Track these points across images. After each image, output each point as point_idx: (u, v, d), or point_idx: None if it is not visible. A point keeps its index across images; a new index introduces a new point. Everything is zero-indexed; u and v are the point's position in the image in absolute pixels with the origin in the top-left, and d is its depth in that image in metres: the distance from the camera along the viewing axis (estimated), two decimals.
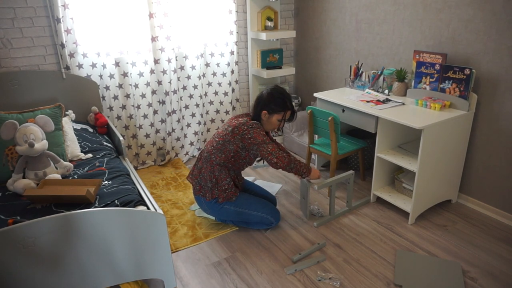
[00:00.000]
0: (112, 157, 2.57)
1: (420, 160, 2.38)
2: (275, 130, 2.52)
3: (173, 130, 3.56)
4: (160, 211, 1.92)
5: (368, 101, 2.78)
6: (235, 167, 2.46)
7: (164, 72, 3.32)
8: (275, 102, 2.39)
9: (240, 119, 2.41)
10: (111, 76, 3.15)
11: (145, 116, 3.38)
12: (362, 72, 3.18)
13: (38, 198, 1.95)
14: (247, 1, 3.63)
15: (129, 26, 3.10)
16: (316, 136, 3.20)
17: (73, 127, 2.75)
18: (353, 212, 2.75)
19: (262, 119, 2.43)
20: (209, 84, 3.69)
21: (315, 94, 3.12)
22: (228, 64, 3.66)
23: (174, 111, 3.49)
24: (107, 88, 3.16)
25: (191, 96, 3.58)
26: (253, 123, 2.35)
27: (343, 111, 2.88)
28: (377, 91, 3.01)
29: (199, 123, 3.69)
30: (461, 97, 2.52)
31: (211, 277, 2.16)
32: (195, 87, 3.56)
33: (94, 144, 2.69)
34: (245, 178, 2.91)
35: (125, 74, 3.20)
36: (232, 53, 3.65)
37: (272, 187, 3.12)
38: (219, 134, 2.43)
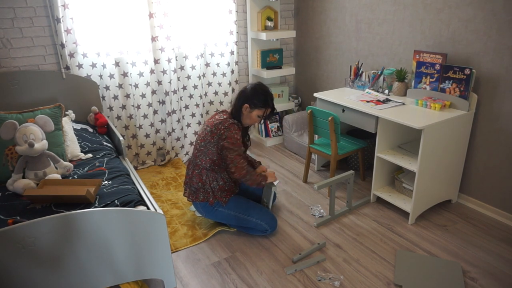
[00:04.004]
0: (112, 157, 2.57)
1: (420, 160, 2.38)
2: (254, 125, 2.52)
3: (173, 130, 3.56)
4: (160, 211, 1.92)
5: (368, 101, 2.78)
6: (222, 168, 2.42)
7: (164, 72, 3.32)
8: (258, 97, 2.38)
9: (217, 117, 2.40)
10: (111, 76, 3.14)
11: (145, 116, 3.38)
12: (362, 72, 3.18)
13: (38, 198, 1.95)
14: (247, 1, 3.63)
15: (129, 26, 3.10)
16: (316, 136, 3.20)
17: (73, 127, 2.75)
18: (353, 212, 2.75)
19: (243, 113, 2.40)
20: (209, 84, 3.69)
21: (315, 94, 3.12)
22: (228, 64, 3.66)
23: (174, 111, 3.49)
24: (107, 88, 3.16)
25: (191, 96, 3.58)
26: (230, 123, 2.32)
27: (343, 111, 2.88)
28: (377, 91, 3.01)
29: (199, 123, 3.69)
30: (461, 97, 2.52)
31: (211, 277, 2.16)
32: (195, 87, 3.56)
33: (94, 144, 2.69)
34: None
35: (125, 74, 3.19)
36: (232, 53, 3.65)
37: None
38: (200, 135, 2.41)
